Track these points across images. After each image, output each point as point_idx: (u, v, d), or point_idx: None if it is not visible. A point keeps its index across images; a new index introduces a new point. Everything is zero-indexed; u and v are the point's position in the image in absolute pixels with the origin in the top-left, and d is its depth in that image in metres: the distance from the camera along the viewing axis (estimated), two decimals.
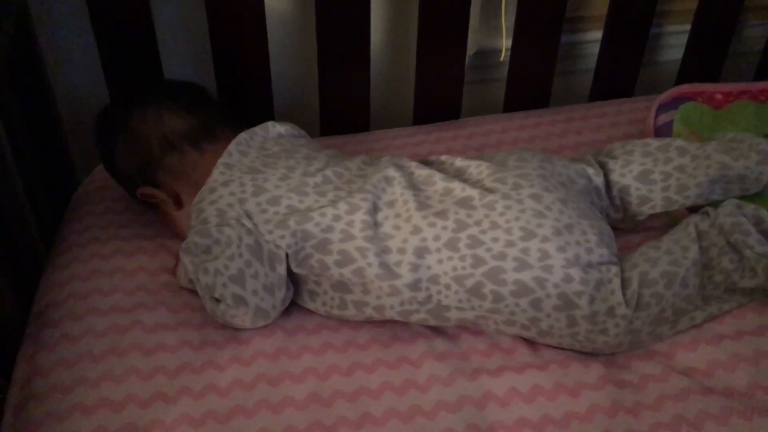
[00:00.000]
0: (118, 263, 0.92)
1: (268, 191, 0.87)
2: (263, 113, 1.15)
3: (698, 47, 1.31)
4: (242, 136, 0.95)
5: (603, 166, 0.96)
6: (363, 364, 0.82)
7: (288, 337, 0.84)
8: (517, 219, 0.83)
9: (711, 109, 1.11)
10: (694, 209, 0.94)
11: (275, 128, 0.99)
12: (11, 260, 0.86)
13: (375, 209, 0.85)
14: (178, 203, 0.94)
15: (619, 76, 1.31)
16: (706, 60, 1.34)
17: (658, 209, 0.95)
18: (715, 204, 0.91)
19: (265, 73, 1.11)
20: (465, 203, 0.85)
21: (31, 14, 1.01)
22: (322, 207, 0.85)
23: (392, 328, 0.86)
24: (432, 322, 0.84)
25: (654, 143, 0.97)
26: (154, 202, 0.96)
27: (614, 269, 0.82)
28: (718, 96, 1.14)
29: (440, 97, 1.21)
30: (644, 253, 0.86)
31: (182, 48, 1.16)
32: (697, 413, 0.75)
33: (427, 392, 0.78)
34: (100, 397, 0.75)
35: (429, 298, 0.82)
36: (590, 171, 0.94)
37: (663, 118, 1.11)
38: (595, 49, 1.30)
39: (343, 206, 0.84)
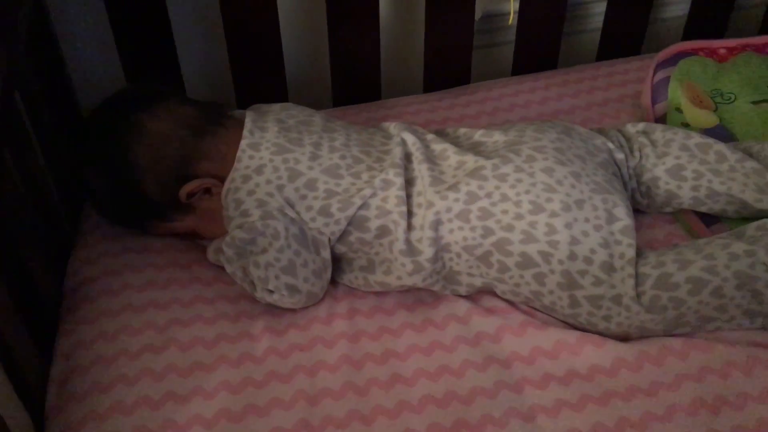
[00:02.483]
0: (147, 240, 0.94)
1: (303, 174, 0.87)
2: (277, 87, 1.16)
3: (704, 1, 1.32)
4: (251, 113, 0.94)
5: (641, 148, 0.95)
6: (390, 329, 0.85)
7: (317, 306, 0.87)
8: (527, 192, 0.84)
9: (714, 62, 1.12)
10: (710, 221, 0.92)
11: (271, 105, 0.98)
12: (44, 239, 0.89)
13: (406, 185, 0.87)
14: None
15: (627, 34, 1.31)
16: (711, 14, 1.34)
17: (686, 206, 0.94)
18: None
19: (277, 48, 1.13)
20: (476, 173, 0.86)
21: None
22: (360, 190, 0.86)
23: (416, 293, 0.89)
24: (447, 289, 0.87)
25: (695, 138, 0.94)
26: (192, 202, 0.89)
27: (628, 255, 0.81)
28: (722, 50, 1.15)
29: (449, 63, 1.22)
30: (680, 252, 0.83)
31: (194, 25, 1.17)
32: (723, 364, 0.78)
33: (453, 352, 0.81)
34: (141, 367, 0.78)
35: (443, 265, 0.85)
36: (611, 146, 0.93)
37: (661, 74, 1.12)
38: (602, 7, 1.31)
39: (378, 183, 0.86)
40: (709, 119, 1.05)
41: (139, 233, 0.95)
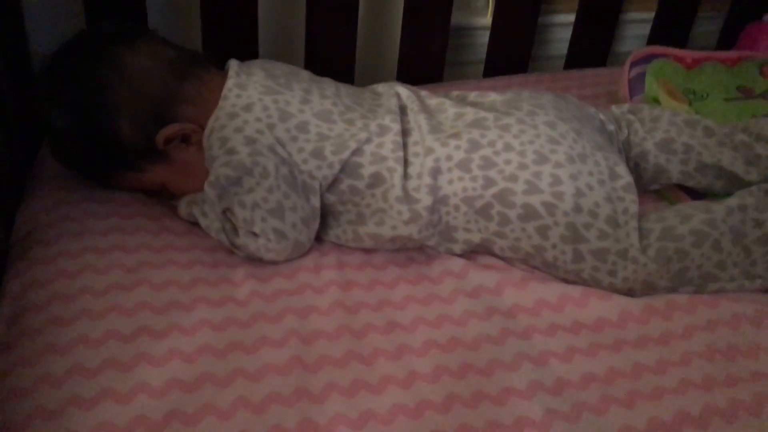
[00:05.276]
0: (111, 192, 0.86)
1: (294, 116, 0.82)
2: None
3: (661, 34, 1.37)
4: (234, 61, 0.89)
5: (629, 125, 0.94)
6: (383, 281, 0.79)
7: (303, 256, 0.80)
8: (531, 142, 0.82)
9: (682, 67, 1.16)
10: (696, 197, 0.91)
11: (254, 60, 0.92)
12: None
13: (403, 133, 0.83)
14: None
15: (589, 60, 1.34)
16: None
17: (674, 181, 0.93)
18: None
19: (253, 32, 1.09)
20: (478, 123, 0.84)
21: None
22: (354, 135, 0.81)
23: (407, 252, 0.83)
24: (442, 246, 0.82)
25: (682, 115, 0.94)
26: (168, 149, 0.82)
27: (631, 210, 0.80)
28: (688, 60, 1.18)
29: (423, 71, 1.21)
30: (679, 209, 0.82)
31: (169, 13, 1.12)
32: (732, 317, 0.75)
33: (453, 304, 0.76)
34: (109, 303, 0.69)
35: (440, 219, 0.80)
36: (602, 117, 0.92)
37: (636, 70, 1.14)
38: (566, 33, 1.34)
39: (374, 128, 0.82)
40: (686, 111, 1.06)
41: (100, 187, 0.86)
